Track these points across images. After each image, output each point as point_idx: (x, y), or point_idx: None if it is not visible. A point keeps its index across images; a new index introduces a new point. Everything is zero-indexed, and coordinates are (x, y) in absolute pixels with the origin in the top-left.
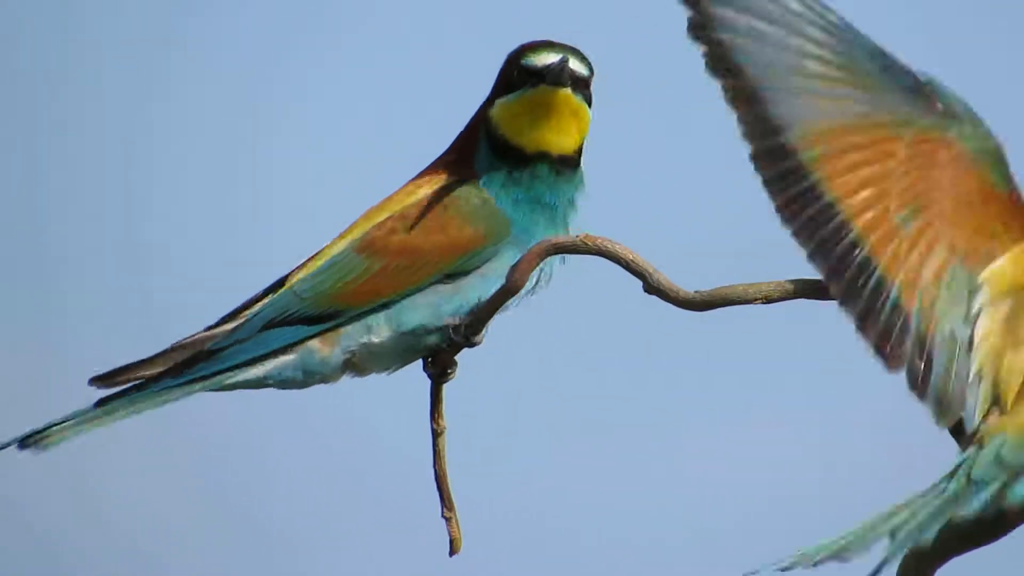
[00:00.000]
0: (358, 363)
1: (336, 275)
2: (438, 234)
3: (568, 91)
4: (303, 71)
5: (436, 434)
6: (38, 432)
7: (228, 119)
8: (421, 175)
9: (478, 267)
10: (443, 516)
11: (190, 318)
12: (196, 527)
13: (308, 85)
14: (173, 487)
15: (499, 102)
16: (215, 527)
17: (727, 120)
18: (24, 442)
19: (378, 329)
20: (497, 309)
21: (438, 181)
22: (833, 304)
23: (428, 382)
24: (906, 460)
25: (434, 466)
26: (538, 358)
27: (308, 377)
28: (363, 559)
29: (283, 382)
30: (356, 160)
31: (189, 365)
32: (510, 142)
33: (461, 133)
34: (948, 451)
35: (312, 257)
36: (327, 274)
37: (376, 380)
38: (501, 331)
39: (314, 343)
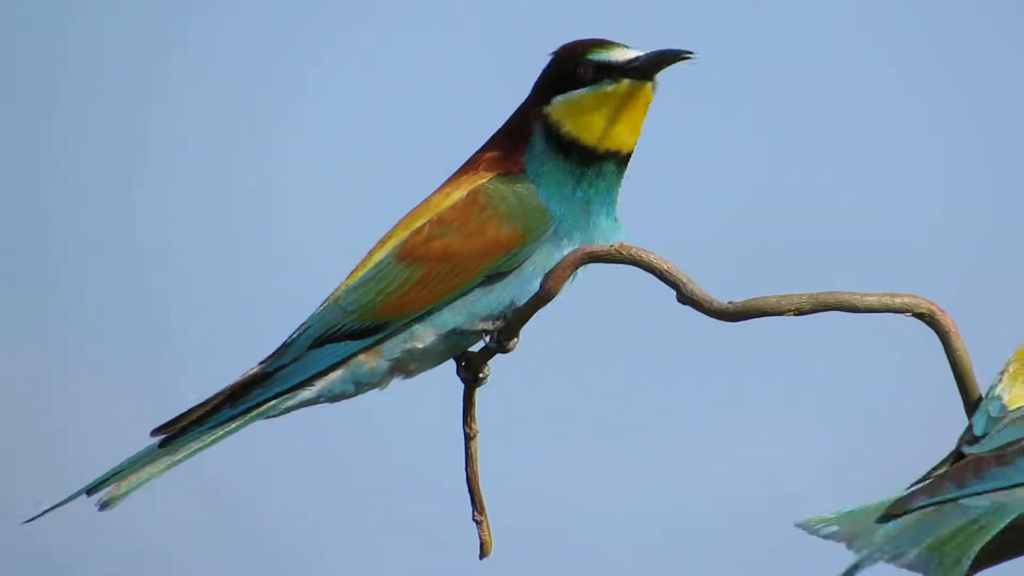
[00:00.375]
0: (405, 367)
1: (378, 286)
2: (477, 236)
3: (651, 84)
4: (303, 71)
5: (468, 438)
6: (106, 480)
7: (228, 119)
8: (459, 175)
9: (519, 265)
10: (474, 519)
11: (190, 319)
12: (226, 534)
13: (308, 85)
14: (196, 494)
15: (561, 99)
16: (243, 532)
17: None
18: (92, 490)
19: (422, 334)
20: (530, 316)
21: (475, 181)
22: (853, 317)
23: (461, 386)
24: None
25: (466, 469)
26: (566, 363)
27: (359, 388)
28: (394, 562)
29: (335, 396)
30: (356, 160)
31: (246, 390)
32: (579, 140)
33: (503, 131)
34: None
35: (355, 268)
36: (369, 286)
37: (409, 385)
38: (531, 337)
39: (362, 356)
